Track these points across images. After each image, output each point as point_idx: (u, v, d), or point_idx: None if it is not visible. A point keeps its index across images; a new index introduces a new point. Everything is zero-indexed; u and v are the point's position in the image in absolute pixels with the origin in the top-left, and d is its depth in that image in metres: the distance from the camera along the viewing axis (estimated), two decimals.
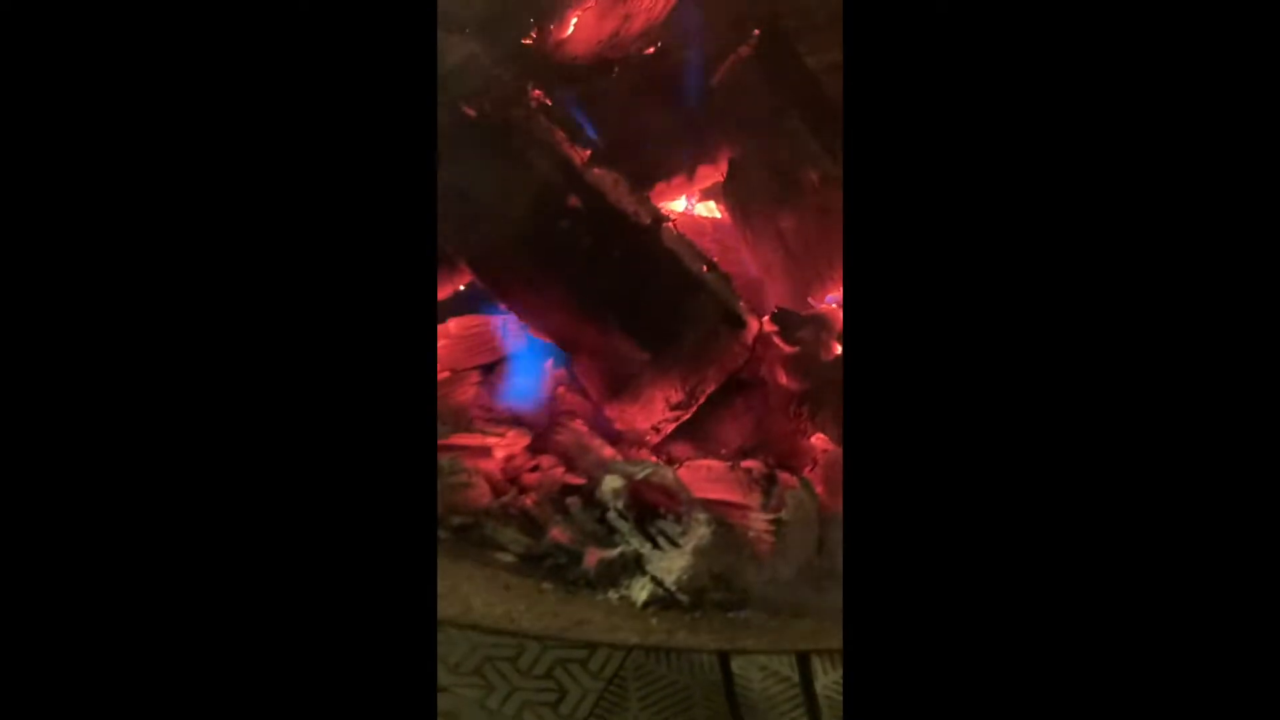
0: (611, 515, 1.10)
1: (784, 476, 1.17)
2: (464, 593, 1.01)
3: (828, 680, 1.63)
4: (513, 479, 1.19)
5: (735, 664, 1.56)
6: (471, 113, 1.25)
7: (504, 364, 1.35)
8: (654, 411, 1.23)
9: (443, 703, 1.47)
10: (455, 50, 1.26)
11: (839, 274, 1.37)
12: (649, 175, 1.41)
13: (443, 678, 1.49)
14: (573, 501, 1.13)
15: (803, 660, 1.44)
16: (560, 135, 1.27)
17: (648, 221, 1.24)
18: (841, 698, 1.56)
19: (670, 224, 1.26)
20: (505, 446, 1.21)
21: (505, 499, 1.16)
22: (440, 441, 1.18)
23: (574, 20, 1.44)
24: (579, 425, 1.23)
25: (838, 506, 1.14)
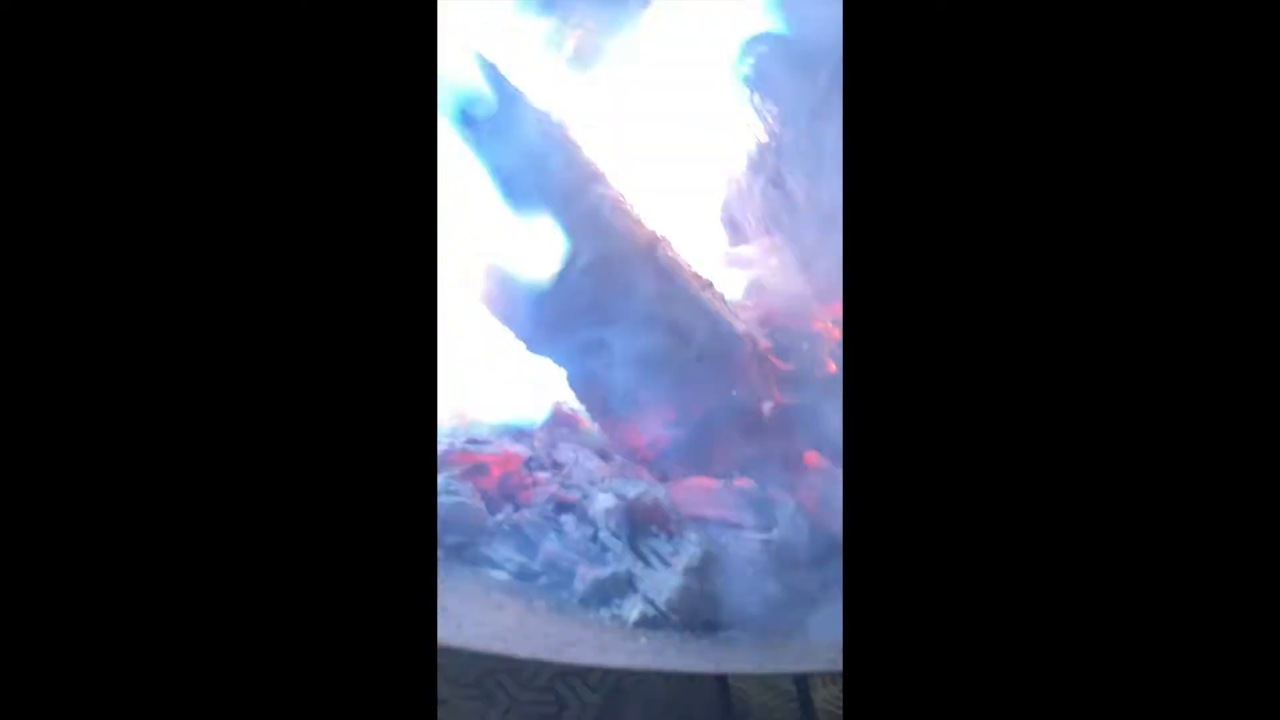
0: (604, 534, 1.10)
1: (777, 495, 1.17)
2: (456, 612, 1.02)
3: (827, 694, 1.63)
4: (508, 496, 1.20)
5: (733, 677, 1.56)
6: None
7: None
8: (649, 429, 1.23)
9: (442, 715, 1.48)
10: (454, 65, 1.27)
11: (838, 293, 1.37)
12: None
13: (443, 690, 1.50)
14: (567, 519, 1.14)
15: (800, 675, 1.45)
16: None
17: (644, 240, 1.24)
18: (841, 712, 1.56)
19: (666, 242, 1.26)
20: (501, 464, 1.21)
21: (500, 516, 1.17)
22: (438, 458, 1.19)
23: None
24: (575, 443, 1.24)
25: (831, 525, 1.15)
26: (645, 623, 1.04)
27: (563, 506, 1.16)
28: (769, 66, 1.44)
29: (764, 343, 1.30)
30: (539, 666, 1.52)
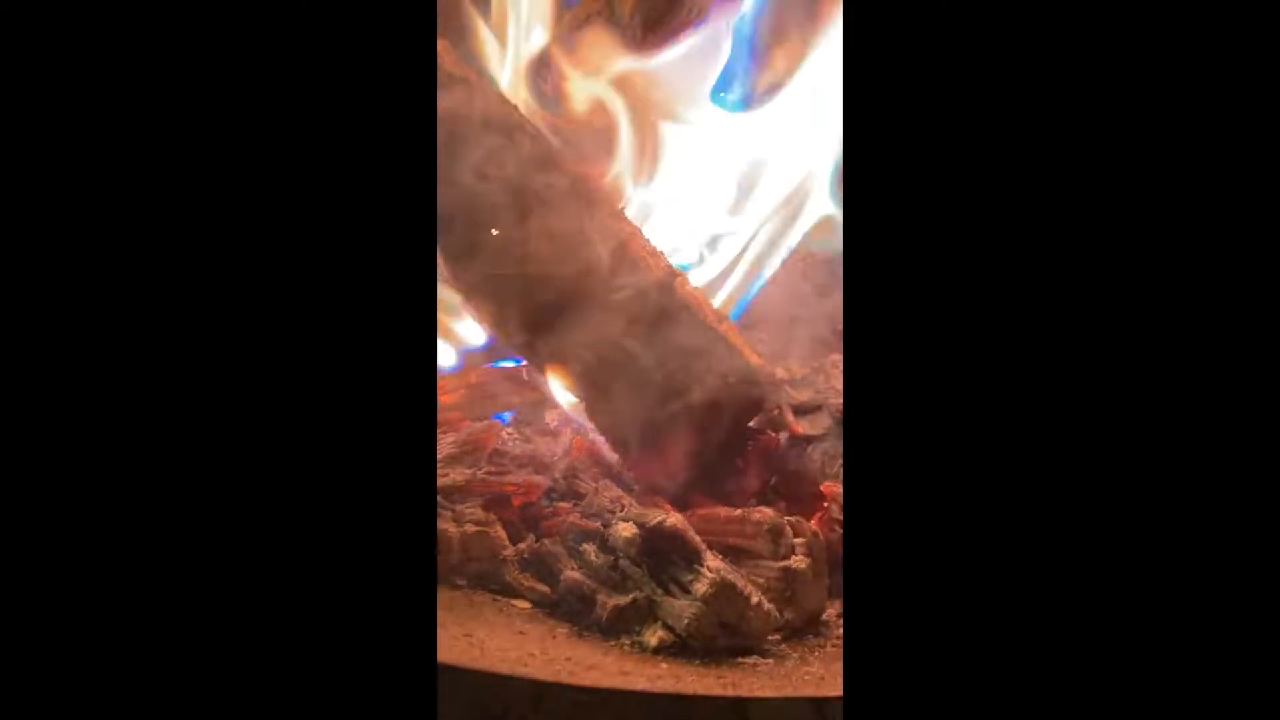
0: (624, 562, 1.12)
1: (795, 524, 1.19)
2: (479, 638, 1.04)
3: None
4: (530, 526, 1.22)
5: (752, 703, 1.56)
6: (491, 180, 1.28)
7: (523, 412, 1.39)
8: (669, 460, 1.25)
9: None
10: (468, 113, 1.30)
11: None
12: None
13: (459, 715, 1.50)
14: (588, 548, 1.16)
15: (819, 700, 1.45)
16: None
17: (663, 276, 1.27)
18: None
19: (684, 278, 1.29)
20: (523, 494, 1.23)
21: (522, 545, 1.19)
22: (460, 488, 1.21)
23: None
24: (595, 473, 1.26)
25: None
26: (664, 649, 1.06)
27: (583, 535, 1.17)
28: None
29: (781, 374, 1.32)
30: (560, 694, 1.53)
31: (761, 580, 1.12)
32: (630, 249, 1.28)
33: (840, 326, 1.41)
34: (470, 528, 1.18)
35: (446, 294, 1.32)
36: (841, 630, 1.13)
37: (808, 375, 1.33)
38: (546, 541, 1.18)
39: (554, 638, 1.08)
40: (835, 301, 1.41)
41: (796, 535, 1.17)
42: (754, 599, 1.08)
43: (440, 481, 1.21)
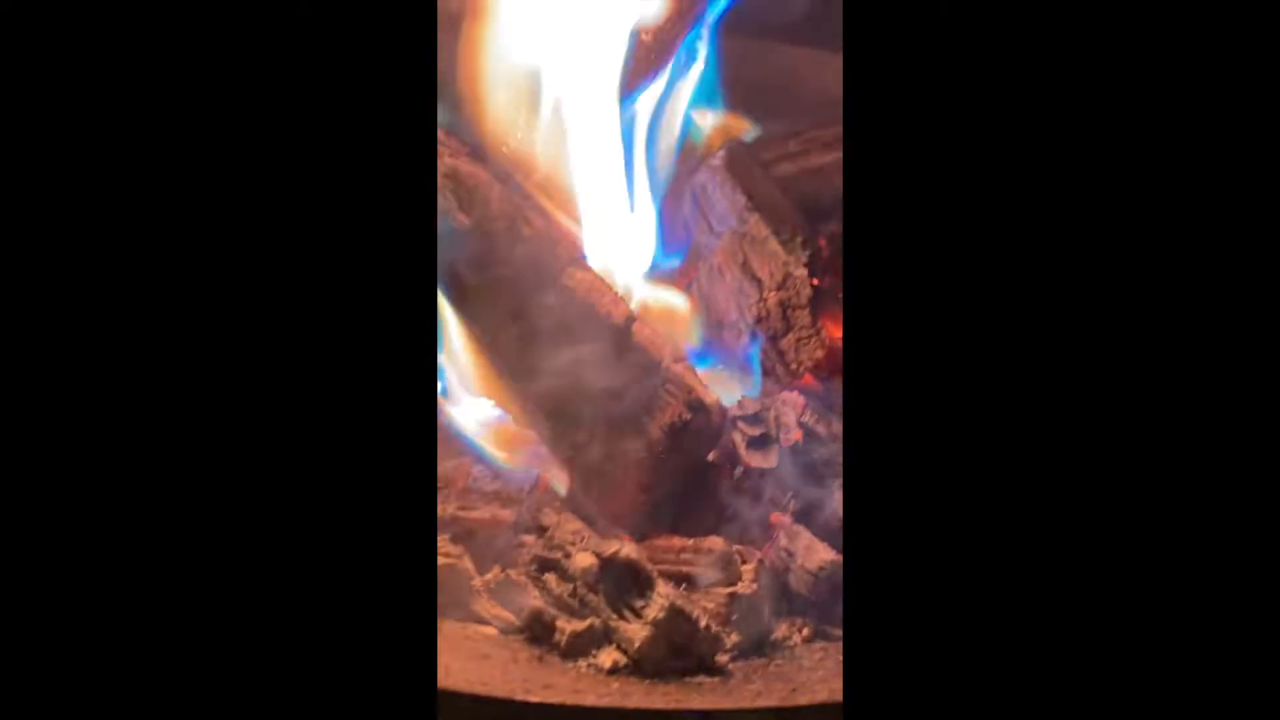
0: (583, 590, 1.19)
1: (744, 552, 1.26)
2: (444, 661, 1.11)
3: None
4: (496, 557, 1.29)
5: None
6: (464, 218, 1.36)
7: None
8: (626, 493, 1.33)
9: None
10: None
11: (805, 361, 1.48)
12: None
13: None
14: (550, 577, 1.23)
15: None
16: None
17: (621, 320, 1.35)
18: None
19: (640, 322, 1.37)
20: (489, 526, 1.31)
21: (489, 576, 1.26)
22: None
23: None
24: (559, 506, 1.33)
25: (791, 580, 1.24)
26: (618, 670, 1.13)
27: (545, 565, 1.24)
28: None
29: (734, 410, 1.40)
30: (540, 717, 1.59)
31: (711, 605, 1.20)
32: (593, 295, 1.37)
33: (795, 366, 1.49)
34: (439, 560, 1.25)
35: None
36: (785, 652, 1.20)
37: (760, 411, 1.40)
38: (511, 572, 1.25)
39: (515, 662, 1.16)
40: (789, 340, 1.48)
41: (744, 563, 1.24)
42: (703, 623, 1.15)
43: None
